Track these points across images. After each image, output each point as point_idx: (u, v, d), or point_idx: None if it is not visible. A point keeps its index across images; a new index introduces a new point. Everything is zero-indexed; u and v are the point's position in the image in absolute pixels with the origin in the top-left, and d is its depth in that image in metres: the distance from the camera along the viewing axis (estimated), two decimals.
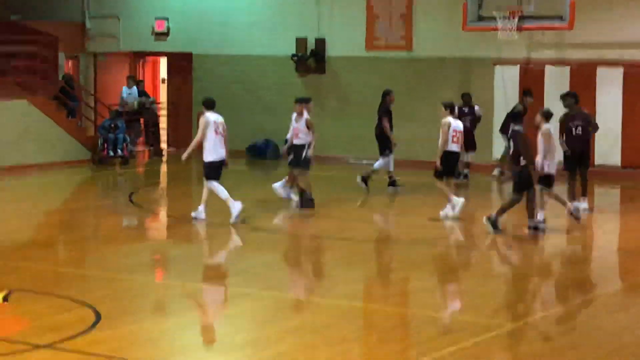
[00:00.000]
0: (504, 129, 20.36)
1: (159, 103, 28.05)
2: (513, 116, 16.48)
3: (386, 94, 19.99)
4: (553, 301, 12.26)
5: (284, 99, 25.69)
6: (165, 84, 28.61)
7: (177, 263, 14.18)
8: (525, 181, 15.16)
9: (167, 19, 27.20)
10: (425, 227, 16.41)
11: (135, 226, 17.43)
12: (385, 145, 19.77)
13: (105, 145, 24.35)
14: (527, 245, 15.28)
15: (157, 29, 27.34)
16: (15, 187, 21.08)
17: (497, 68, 23.32)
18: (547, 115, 15.80)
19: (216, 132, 16.08)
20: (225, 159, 16.26)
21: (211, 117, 16.17)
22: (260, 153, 25.78)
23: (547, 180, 15.55)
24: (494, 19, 20.30)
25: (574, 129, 17.37)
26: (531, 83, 22.60)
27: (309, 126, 17.54)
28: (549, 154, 15.52)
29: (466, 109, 21.45)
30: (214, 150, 16.10)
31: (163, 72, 28.90)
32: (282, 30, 25.75)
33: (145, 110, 26.67)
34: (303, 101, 17.89)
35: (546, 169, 15.48)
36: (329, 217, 17.27)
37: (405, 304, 12.02)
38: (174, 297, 12.11)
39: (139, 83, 26.97)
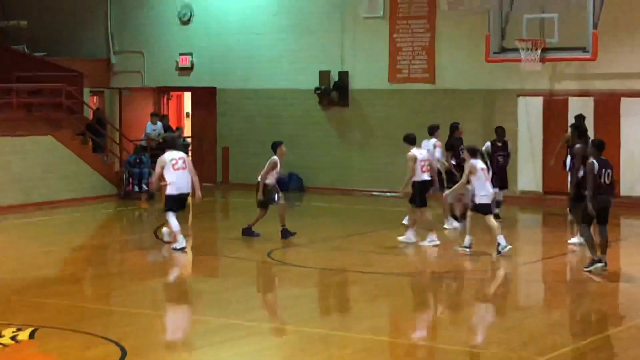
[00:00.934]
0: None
1: (184, 137, 28.14)
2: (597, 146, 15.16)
3: (454, 128, 19.77)
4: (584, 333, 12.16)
5: (308, 132, 25.84)
6: (190, 119, 28.74)
7: (202, 298, 14.17)
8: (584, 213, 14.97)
9: (191, 54, 27.37)
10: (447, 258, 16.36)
11: (161, 261, 17.45)
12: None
13: (131, 180, 24.47)
14: (555, 276, 15.19)
15: (181, 64, 27.52)
16: (41, 223, 21.16)
17: (521, 99, 23.30)
18: (473, 152, 16.43)
19: (174, 167, 17.00)
20: (189, 192, 17.40)
21: (168, 156, 17.08)
22: (284, 186, 25.75)
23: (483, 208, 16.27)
24: (516, 50, 20.28)
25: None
26: (555, 114, 22.56)
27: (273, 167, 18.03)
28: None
29: (500, 144, 20.25)
30: (174, 185, 17.00)
31: (187, 107, 29.04)
32: (306, 64, 25.85)
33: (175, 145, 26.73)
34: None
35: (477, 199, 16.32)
36: (353, 250, 17.25)
37: (432, 338, 11.97)
38: (199, 333, 12.10)
39: (163, 118, 27.10)
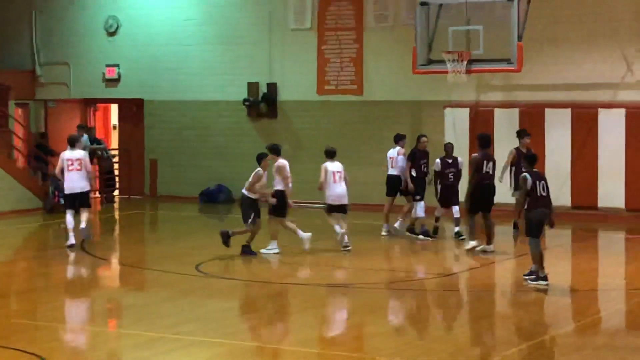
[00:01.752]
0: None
1: (110, 149, 27.92)
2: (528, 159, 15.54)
3: (417, 140, 19.76)
4: (509, 342, 12.29)
5: (237, 143, 25.80)
6: (117, 131, 28.52)
7: (131, 312, 14.06)
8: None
9: (117, 66, 27.17)
10: (381, 271, 16.43)
11: (88, 275, 17.27)
12: (417, 190, 19.30)
13: (57, 193, 24.18)
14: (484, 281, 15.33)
15: (107, 76, 27.31)
16: None
17: (448, 110, 23.52)
18: (275, 151, 17.96)
19: (69, 168, 18.33)
20: (82, 191, 18.50)
21: (65, 154, 18.41)
22: (213, 198, 25.74)
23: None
24: (443, 62, 20.46)
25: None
26: (481, 125, 22.81)
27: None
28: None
29: (450, 160, 19.33)
30: (67, 184, 18.58)
31: (114, 119, 28.82)
32: (234, 75, 25.83)
33: (99, 158, 26.56)
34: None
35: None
36: (283, 262, 17.26)
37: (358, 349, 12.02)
38: (127, 347, 11.99)
39: (90, 130, 26.86)
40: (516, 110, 22.87)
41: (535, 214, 14.88)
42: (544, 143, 22.27)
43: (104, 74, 27.34)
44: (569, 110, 22.52)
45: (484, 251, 17.79)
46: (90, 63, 27.50)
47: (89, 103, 28.19)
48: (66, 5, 27.74)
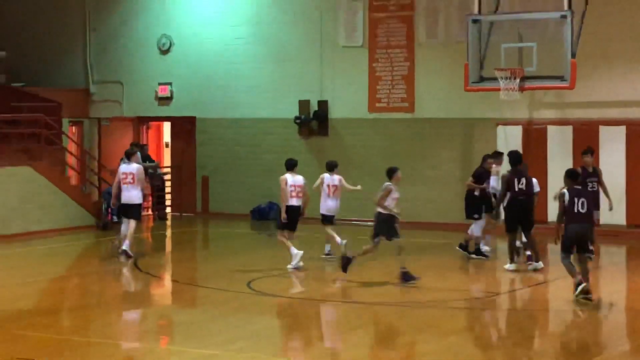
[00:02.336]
0: None
1: (162, 167, 28.08)
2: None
3: (484, 159, 19.35)
4: None
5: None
6: (169, 148, 28.69)
7: (182, 329, 14.08)
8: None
9: (170, 84, 27.37)
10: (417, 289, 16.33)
11: (140, 292, 17.34)
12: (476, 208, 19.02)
13: (110, 210, 24.35)
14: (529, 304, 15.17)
15: (160, 94, 27.51)
16: (19, 255, 21.01)
17: (500, 128, 23.38)
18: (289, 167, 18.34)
19: (124, 181, 19.14)
20: (132, 203, 19.31)
21: (122, 168, 19.28)
22: (264, 215, 25.79)
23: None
24: (495, 79, 20.33)
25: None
26: (534, 143, 22.65)
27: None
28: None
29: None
30: (122, 196, 19.32)
31: (167, 136, 29.00)
32: (285, 93, 25.89)
33: (151, 175, 26.71)
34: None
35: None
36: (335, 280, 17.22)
37: None
38: None
39: (142, 147, 27.03)
40: (570, 128, 22.68)
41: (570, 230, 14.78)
42: (598, 161, 22.03)
43: (156, 92, 27.55)
44: (623, 127, 22.30)
45: (535, 269, 17.60)
46: (143, 81, 27.72)
47: (142, 121, 28.41)
48: (119, 24, 28.02)
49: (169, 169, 28.03)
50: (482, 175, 19.12)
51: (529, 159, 22.57)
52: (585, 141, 21.93)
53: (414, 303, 15.37)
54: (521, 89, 20.32)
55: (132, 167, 19.48)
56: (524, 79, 20.25)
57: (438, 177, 24.01)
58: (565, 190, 14.89)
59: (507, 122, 23.33)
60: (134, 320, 14.56)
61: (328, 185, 18.84)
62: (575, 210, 14.75)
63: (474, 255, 19.10)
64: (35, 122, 24.77)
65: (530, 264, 17.69)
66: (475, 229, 19.06)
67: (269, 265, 18.18)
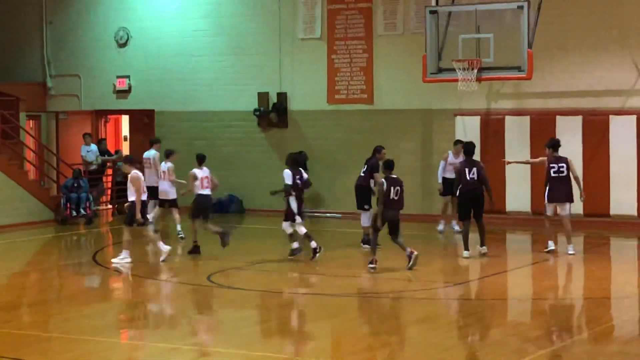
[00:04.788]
0: None
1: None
2: None
3: (377, 151, 19.39)
4: (522, 351, 12.25)
5: (247, 153, 25.84)
6: (128, 142, 28.56)
7: (142, 323, 14.05)
8: None
9: (128, 77, 27.24)
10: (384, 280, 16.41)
11: (99, 287, 17.27)
12: (365, 199, 19.15)
13: (69, 204, 24.22)
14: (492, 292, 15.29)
15: (118, 87, 27.37)
16: None
17: (458, 119, 23.50)
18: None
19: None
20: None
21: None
22: (224, 208, 25.74)
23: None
24: (453, 70, 20.44)
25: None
26: (492, 133, 22.79)
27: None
28: None
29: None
30: None
31: (125, 130, 28.86)
32: (244, 86, 25.86)
33: (113, 170, 26.60)
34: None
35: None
36: (293, 272, 17.23)
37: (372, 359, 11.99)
38: (140, 358, 11.97)
39: (100, 142, 26.92)
40: (527, 118, 22.84)
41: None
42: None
43: (114, 85, 27.42)
44: (579, 117, 22.49)
45: (481, 254, 18.03)
46: (100, 74, 27.57)
47: (100, 114, 28.26)
48: (76, 17, 27.83)
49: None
50: (375, 166, 19.11)
51: (487, 149, 22.81)
52: (543, 131, 22.12)
53: (375, 294, 15.43)
54: (479, 79, 20.43)
55: (150, 153, 21.36)
56: (481, 69, 20.36)
57: (397, 168, 23.93)
58: (383, 180, 16.62)
59: (465, 113, 23.46)
60: (94, 314, 14.48)
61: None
62: (390, 197, 16.52)
63: (365, 246, 19.02)
64: None
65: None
66: (364, 219, 19.07)
67: (228, 259, 18.16)
